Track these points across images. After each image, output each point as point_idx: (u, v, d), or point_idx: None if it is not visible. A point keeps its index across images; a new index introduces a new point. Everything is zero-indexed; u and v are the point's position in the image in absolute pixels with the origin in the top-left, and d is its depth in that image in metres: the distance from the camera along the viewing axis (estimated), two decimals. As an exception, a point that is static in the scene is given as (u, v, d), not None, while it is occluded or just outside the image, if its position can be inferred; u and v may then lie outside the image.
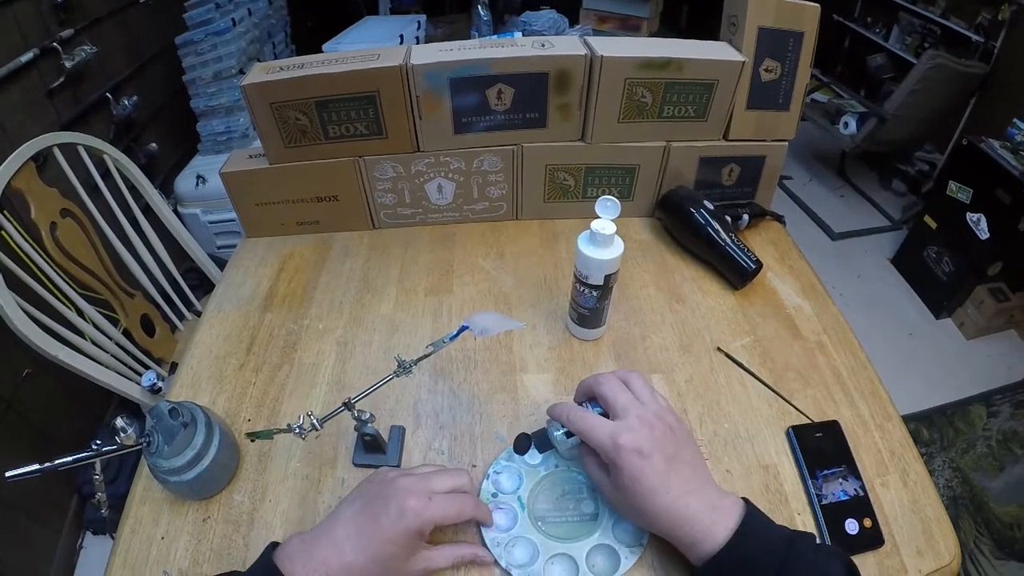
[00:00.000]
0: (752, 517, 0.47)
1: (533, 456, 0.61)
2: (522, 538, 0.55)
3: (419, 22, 2.05)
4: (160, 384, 1.08)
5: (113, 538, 0.65)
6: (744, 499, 0.49)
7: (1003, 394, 2.04)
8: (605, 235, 0.63)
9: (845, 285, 2.44)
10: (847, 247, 2.67)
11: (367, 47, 0.85)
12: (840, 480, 0.60)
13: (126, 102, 1.72)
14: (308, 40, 2.46)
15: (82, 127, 1.52)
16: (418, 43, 1.94)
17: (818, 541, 0.48)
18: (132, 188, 1.25)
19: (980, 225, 2.08)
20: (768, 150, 0.92)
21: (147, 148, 1.85)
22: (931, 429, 1.89)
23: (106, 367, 1.06)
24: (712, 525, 0.46)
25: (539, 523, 0.57)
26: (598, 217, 0.64)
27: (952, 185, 2.18)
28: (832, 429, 0.65)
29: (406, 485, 0.50)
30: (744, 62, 0.82)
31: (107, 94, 1.66)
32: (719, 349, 0.74)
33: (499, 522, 0.56)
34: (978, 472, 1.79)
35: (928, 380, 2.05)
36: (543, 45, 0.80)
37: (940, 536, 0.58)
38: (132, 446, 0.51)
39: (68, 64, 1.47)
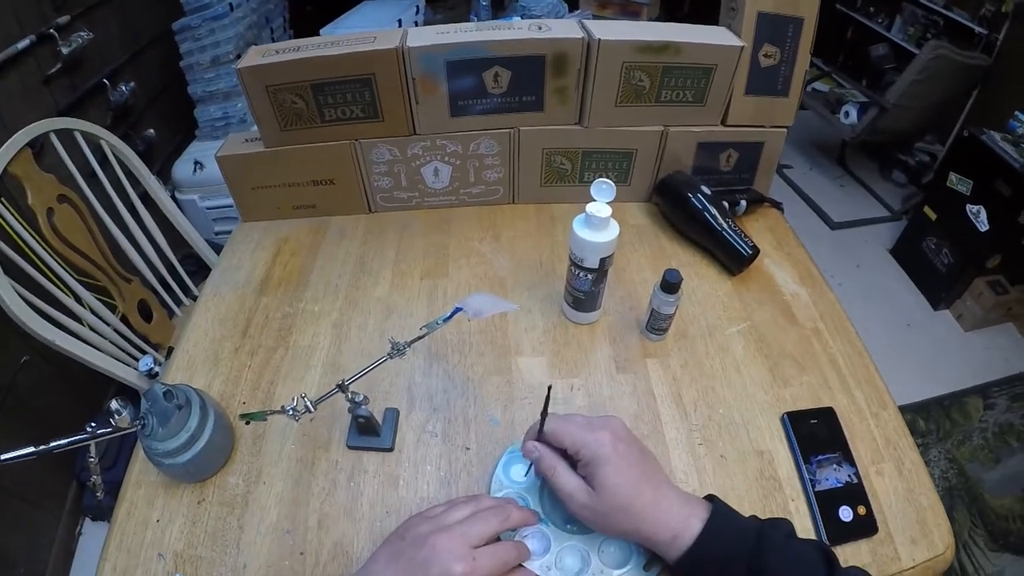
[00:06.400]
0: (718, 512, 0.48)
1: (517, 473, 0.59)
2: (567, 547, 0.53)
3: (417, 6, 2.03)
4: (157, 369, 1.06)
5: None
6: (710, 495, 0.50)
7: (1000, 387, 2.04)
8: (600, 218, 0.63)
9: (844, 275, 2.43)
10: (846, 237, 2.66)
11: (365, 31, 0.84)
12: (834, 467, 0.60)
13: (123, 88, 1.71)
14: (306, 25, 2.42)
15: (79, 113, 1.51)
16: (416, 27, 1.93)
17: (801, 530, 0.48)
18: (129, 174, 1.24)
19: (980, 217, 2.07)
20: (767, 136, 0.92)
21: (145, 134, 1.84)
22: (928, 420, 1.90)
23: (104, 352, 1.06)
24: (688, 517, 0.47)
25: (568, 527, 0.54)
26: (594, 200, 0.64)
27: (952, 176, 2.17)
28: (827, 416, 0.65)
29: (446, 547, 0.45)
30: (743, 47, 0.81)
31: (104, 80, 1.65)
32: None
33: (534, 548, 0.53)
34: (974, 464, 1.79)
35: (925, 371, 2.05)
36: (540, 28, 0.80)
37: (934, 526, 0.57)
38: (127, 428, 0.51)
39: (65, 51, 1.46)
